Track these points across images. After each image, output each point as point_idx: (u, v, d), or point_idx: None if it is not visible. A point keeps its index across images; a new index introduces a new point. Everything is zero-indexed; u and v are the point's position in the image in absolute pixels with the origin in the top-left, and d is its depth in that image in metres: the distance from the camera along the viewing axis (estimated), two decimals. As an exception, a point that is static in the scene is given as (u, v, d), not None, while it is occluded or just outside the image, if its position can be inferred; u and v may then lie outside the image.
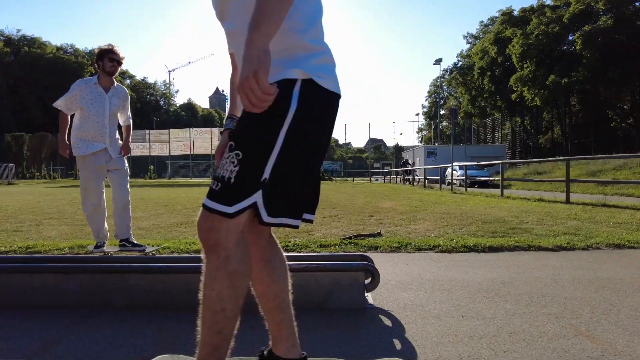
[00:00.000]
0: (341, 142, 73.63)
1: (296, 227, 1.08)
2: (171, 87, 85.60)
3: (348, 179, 38.38)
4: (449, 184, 17.83)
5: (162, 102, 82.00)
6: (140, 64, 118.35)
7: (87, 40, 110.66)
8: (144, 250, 3.63)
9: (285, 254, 1.29)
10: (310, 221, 1.17)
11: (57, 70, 54.79)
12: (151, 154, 38.25)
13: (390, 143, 68.41)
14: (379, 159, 66.25)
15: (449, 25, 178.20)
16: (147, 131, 38.51)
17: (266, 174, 0.98)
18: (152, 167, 36.69)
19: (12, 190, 18.36)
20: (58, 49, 60.14)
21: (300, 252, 3.67)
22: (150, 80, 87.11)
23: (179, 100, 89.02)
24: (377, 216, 6.70)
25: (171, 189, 17.64)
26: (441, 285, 2.65)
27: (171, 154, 38.59)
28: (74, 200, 11.03)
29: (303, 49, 1.04)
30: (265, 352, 1.26)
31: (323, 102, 1.05)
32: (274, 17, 0.88)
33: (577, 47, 33.56)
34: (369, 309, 2.23)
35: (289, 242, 4.11)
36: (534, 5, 41.39)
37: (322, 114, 1.06)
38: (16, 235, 5.31)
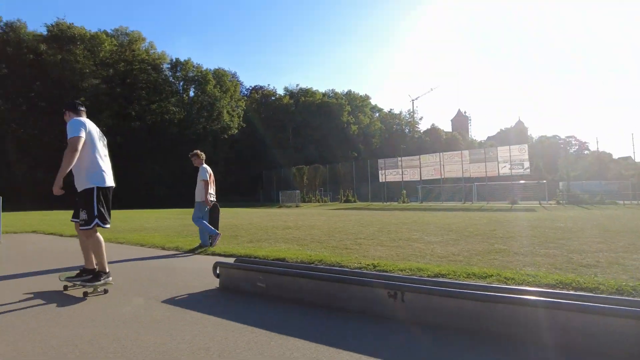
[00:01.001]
0: (616, 156, 59.66)
1: None
2: (415, 115, 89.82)
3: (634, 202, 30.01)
4: None
5: (407, 130, 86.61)
6: (387, 97, 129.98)
7: (341, 84, 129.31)
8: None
9: None
10: None
11: (324, 113, 65.65)
12: (403, 179, 40.39)
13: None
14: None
15: None
16: (399, 158, 41.00)
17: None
18: (404, 191, 38.65)
19: (303, 211, 22.32)
20: (323, 94, 72.03)
21: None
22: (396, 110, 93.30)
23: (423, 126, 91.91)
24: None
25: (433, 213, 17.78)
26: None
27: (422, 178, 39.72)
28: (359, 221, 12.42)
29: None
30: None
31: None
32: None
33: None
34: None
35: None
36: None
37: None
38: (348, 252, 6.08)
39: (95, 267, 3.91)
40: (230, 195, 54.17)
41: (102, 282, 3.78)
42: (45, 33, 41.25)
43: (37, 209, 26.31)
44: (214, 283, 3.98)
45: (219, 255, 6.20)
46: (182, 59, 49.66)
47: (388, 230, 9.48)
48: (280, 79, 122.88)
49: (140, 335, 2.54)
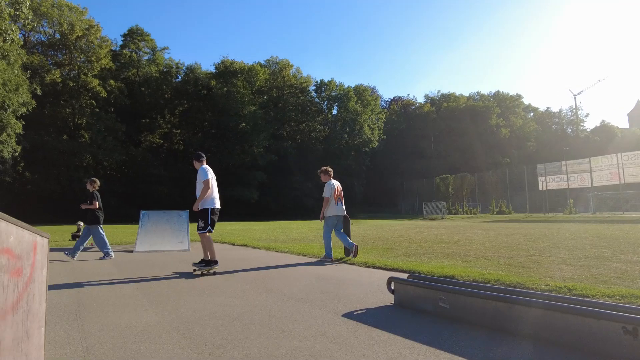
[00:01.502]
0: None
1: None
2: (578, 112, 77.71)
3: None
4: None
5: (569, 130, 75.49)
6: (543, 94, 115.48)
7: (487, 85, 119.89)
8: None
9: None
10: None
11: (469, 117, 61.79)
12: (569, 186, 35.06)
13: None
14: None
15: None
16: (562, 162, 35.81)
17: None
18: (571, 200, 33.48)
19: (453, 224, 21.10)
20: (467, 98, 67.87)
21: None
22: (554, 108, 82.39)
23: (589, 123, 78.99)
24: None
25: (616, 225, 14.85)
26: None
27: (594, 184, 33.87)
28: (523, 235, 11.09)
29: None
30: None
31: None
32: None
33: None
34: None
35: None
36: None
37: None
38: (526, 271, 5.37)
39: (208, 257, 6.00)
40: (371, 206, 54.84)
41: (211, 267, 5.92)
42: (214, 70, 48.59)
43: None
44: (388, 298, 3.91)
45: (378, 267, 6.15)
46: (325, 80, 52.74)
47: (565, 245, 8.21)
48: (419, 87, 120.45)
49: (334, 353, 2.55)
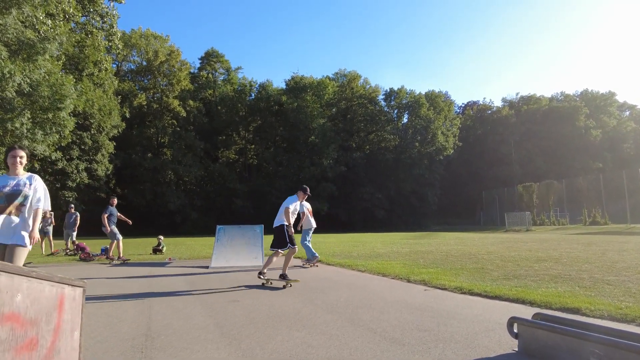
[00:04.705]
0: None
1: None
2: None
3: None
4: None
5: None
6: None
7: (573, 83, 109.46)
8: None
9: None
10: None
11: (552, 120, 56.73)
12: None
13: None
14: None
15: None
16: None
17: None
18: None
19: (542, 237, 18.90)
20: (550, 99, 62.49)
21: None
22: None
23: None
24: None
25: None
26: None
27: None
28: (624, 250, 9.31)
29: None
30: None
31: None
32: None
33: None
34: None
35: None
36: None
37: None
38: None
39: (283, 272, 6.56)
40: (448, 218, 52.05)
41: (286, 280, 6.39)
42: (284, 87, 49.79)
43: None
44: (505, 340, 3.11)
45: (477, 294, 5.27)
46: (395, 88, 51.56)
47: None
48: (496, 91, 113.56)
49: None
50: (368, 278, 7.26)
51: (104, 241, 13.72)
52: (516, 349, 2.94)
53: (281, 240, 6.57)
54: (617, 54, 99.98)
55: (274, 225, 6.77)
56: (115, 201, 11.19)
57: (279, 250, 6.66)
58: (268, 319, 4.20)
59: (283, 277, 6.46)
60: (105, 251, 11.58)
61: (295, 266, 9.10)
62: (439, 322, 3.93)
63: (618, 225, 28.94)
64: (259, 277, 6.64)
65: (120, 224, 11.15)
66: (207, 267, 9.02)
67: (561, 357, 2.61)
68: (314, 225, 9.89)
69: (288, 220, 6.56)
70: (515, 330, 2.94)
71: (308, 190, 7.10)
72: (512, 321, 2.99)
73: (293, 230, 6.65)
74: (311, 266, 9.25)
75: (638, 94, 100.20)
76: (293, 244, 6.56)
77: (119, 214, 11.10)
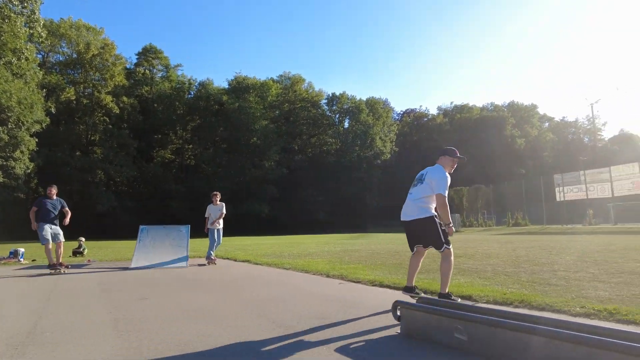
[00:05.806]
0: None
1: None
2: (596, 121, 75.71)
3: None
4: None
5: (586, 139, 73.61)
6: (558, 104, 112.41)
7: (501, 95, 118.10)
8: None
9: None
10: None
11: (483, 129, 60.75)
12: (588, 197, 33.74)
13: None
14: None
15: None
16: (581, 172, 34.60)
17: None
18: (591, 211, 32.18)
19: (469, 237, 20.20)
20: (481, 109, 66.87)
21: None
22: (570, 118, 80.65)
23: (608, 132, 76.79)
24: None
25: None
26: None
27: (614, 194, 32.53)
28: (544, 247, 10.29)
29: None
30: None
31: None
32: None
33: None
34: None
35: None
36: None
37: None
38: (554, 289, 4.72)
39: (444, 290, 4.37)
40: (386, 219, 53.82)
41: (415, 293, 4.63)
42: (227, 86, 48.90)
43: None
44: (394, 326, 3.34)
45: (386, 286, 5.57)
46: (337, 93, 52.55)
47: (593, 259, 7.48)
48: (432, 100, 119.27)
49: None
50: (290, 275, 7.36)
51: (15, 244, 12.65)
52: (399, 332, 3.16)
53: (436, 236, 4.39)
54: (539, 69, 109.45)
55: (416, 217, 4.63)
56: (54, 191, 8.59)
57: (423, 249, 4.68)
58: (173, 314, 4.14)
59: (447, 295, 4.27)
60: (13, 254, 10.67)
61: (200, 265, 9.17)
62: (339, 310, 4.11)
63: (536, 226, 31.69)
64: (413, 295, 4.56)
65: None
66: (126, 269, 8.65)
67: (435, 335, 2.86)
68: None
69: (446, 209, 4.42)
70: (399, 314, 3.17)
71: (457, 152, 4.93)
72: (395, 305, 3.21)
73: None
74: (209, 264, 9.37)
75: (555, 107, 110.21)
76: (449, 243, 4.38)
77: (66, 208, 8.77)
